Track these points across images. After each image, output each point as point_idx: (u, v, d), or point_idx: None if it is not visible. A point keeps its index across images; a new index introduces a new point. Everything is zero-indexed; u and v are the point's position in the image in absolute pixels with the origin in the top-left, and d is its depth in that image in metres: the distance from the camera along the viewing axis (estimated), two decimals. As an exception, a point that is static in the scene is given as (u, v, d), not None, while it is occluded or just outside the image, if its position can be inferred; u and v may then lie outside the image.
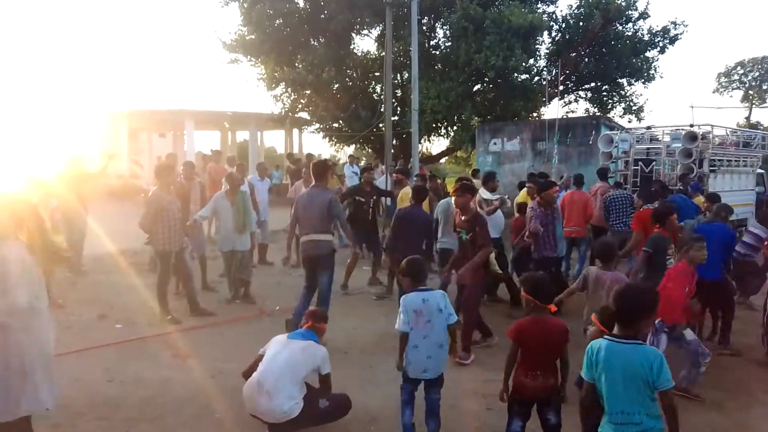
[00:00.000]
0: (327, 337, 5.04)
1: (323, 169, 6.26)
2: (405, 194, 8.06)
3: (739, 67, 41.66)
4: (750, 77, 41.15)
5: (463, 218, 5.67)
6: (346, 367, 5.24)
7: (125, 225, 8.38)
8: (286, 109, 23.04)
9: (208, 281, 8.22)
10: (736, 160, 12.56)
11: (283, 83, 22.16)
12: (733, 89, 42.08)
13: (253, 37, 21.89)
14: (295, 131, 27.63)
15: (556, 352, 3.39)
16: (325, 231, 5.95)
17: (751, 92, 40.88)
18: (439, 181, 25.81)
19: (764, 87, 40.51)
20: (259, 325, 6.64)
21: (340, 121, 22.53)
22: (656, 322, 4.62)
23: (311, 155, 14.50)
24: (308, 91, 22.15)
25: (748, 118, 37.32)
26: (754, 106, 39.31)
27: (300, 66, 21.53)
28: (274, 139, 59.01)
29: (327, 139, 24.31)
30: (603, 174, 10.48)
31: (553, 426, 3.43)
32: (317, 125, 24.01)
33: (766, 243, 6.85)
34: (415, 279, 3.89)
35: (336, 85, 22.15)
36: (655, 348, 2.62)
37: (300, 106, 23.41)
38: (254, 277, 8.01)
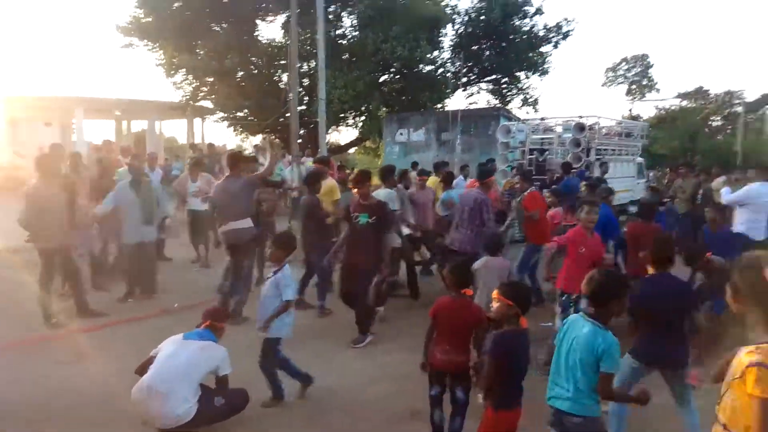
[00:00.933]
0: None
1: (236, 159, 6.46)
2: (328, 187, 7.57)
3: (623, 63, 45.15)
4: (632, 73, 44.71)
5: (362, 203, 5.82)
6: (248, 357, 5.14)
7: (6, 220, 7.66)
8: (187, 97, 22.02)
9: (98, 280, 7.71)
10: (619, 150, 13.63)
11: (184, 70, 21.17)
12: (618, 83, 45.56)
13: (149, 20, 20.67)
14: (198, 120, 26.50)
15: (467, 332, 3.54)
16: (244, 218, 6.11)
17: (633, 87, 44.42)
18: (348, 171, 25.86)
19: (644, 82, 44.15)
20: (158, 323, 6.32)
21: (245, 110, 21.91)
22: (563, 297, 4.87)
23: (213, 145, 14.03)
24: (211, 79, 21.33)
25: (630, 111, 40.55)
26: (635, 99, 42.76)
27: (201, 52, 20.65)
28: (175, 129, 56.35)
29: (232, 128, 23.56)
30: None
31: (459, 401, 3.56)
32: (221, 114, 23.18)
33: None
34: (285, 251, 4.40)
35: (240, 73, 21.51)
36: (613, 337, 2.73)
37: (202, 93, 22.49)
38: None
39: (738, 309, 2.18)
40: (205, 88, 22.23)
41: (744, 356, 1.99)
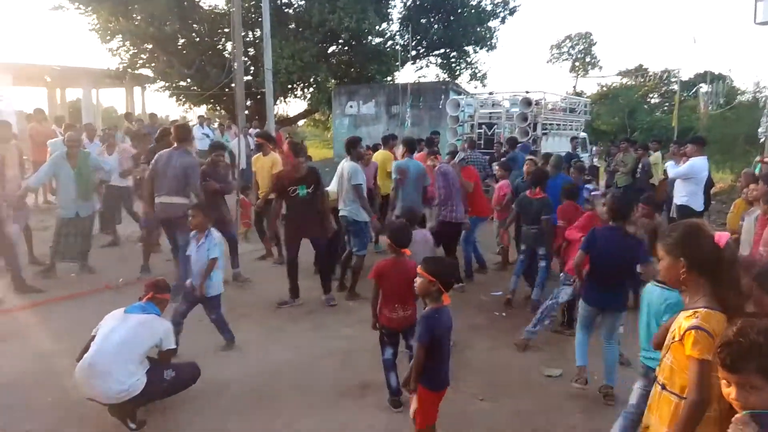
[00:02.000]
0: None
1: (185, 132, 6.30)
2: (271, 160, 7.37)
3: (567, 40, 46.07)
4: (576, 50, 45.73)
5: (296, 175, 5.86)
6: (198, 335, 5.04)
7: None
8: (125, 65, 20.89)
9: (36, 254, 7.33)
10: (563, 124, 13.97)
11: (120, 36, 20.04)
12: (563, 60, 46.54)
13: (80, -20, 19.40)
14: (137, 89, 25.29)
15: (410, 287, 3.54)
16: (180, 194, 5.92)
17: (577, 63, 45.50)
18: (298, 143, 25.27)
19: (587, 60, 45.27)
20: (100, 298, 6.07)
21: (188, 80, 21.03)
22: (561, 274, 5.24)
23: (155, 115, 13.45)
24: (150, 46, 20.30)
25: (574, 87, 41.59)
26: (579, 76, 43.87)
27: (139, 17, 19.57)
28: (114, 98, 53.64)
29: (174, 98, 22.59)
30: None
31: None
32: (162, 83, 22.16)
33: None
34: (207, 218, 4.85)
35: (182, 40, 20.56)
36: (679, 295, 2.79)
37: (141, 61, 21.39)
38: (94, 249, 7.32)
39: (671, 273, 2.20)
40: (143, 56, 21.15)
41: (683, 320, 2.07)
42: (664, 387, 2.18)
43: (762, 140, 7.78)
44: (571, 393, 4.16)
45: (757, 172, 7.04)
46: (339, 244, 6.81)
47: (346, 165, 6.43)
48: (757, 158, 7.65)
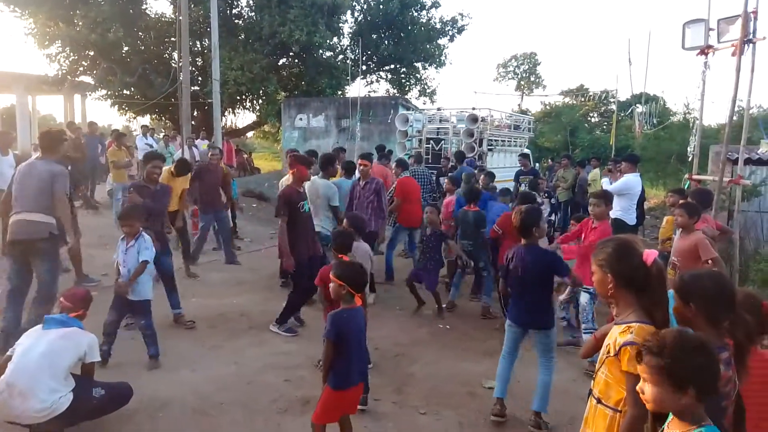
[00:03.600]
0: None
1: (52, 140, 5.03)
2: None
3: (513, 60, 47.55)
4: (522, 69, 47.23)
5: (300, 190, 5.66)
6: (132, 352, 4.85)
7: None
8: (64, 72, 20.05)
9: None
10: (509, 141, 14.35)
11: (59, 41, 19.24)
12: (509, 79, 47.94)
13: (16, -18, 18.54)
14: (77, 97, 24.31)
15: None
16: (43, 211, 4.75)
17: (522, 82, 46.96)
18: (245, 155, 24.97)
19: (532, 78, 46.81)
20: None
21: (132, 88, 20.39)
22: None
23: (94, 123, 12.95)
24: (91, 53, 19.58)
25: (519, 105, 42.87)
26: (524, 94, 45.25)
27: (80, 23, 18.88)
28: (52, 106, 51.43)
29: (117, 107, 21.82)
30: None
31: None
32: (104, 91, 21.38)
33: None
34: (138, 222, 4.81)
35: (126, 48, 19.93)
36: None
37: (81, 68, 20.59)
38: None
39: (601, 287, 2.25)
40: (84, 63, 20.36)
41: (618, 335, 2.11)
42: (599, 401, 2.21)
43: (690, 158, 8.22)
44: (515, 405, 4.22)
45: (686, 188, 7.42)
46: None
47: (320, 183, 6.38)
48: (686, 175, 8.07)
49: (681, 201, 5.39)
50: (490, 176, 8.23)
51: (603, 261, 2.23)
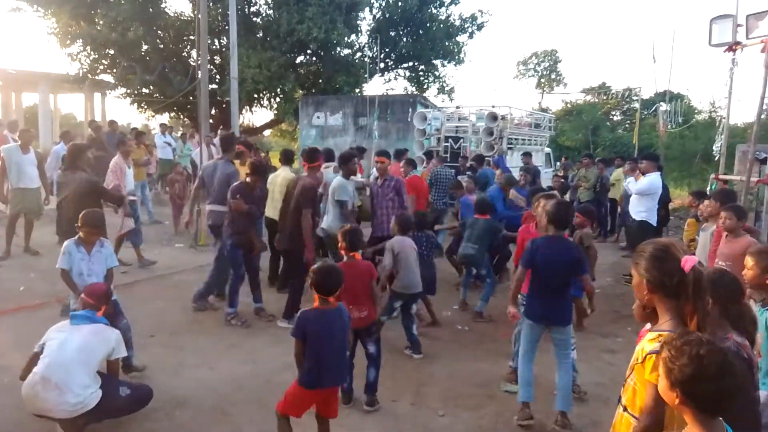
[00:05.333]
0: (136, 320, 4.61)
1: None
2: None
3: (533, 57, 47.09)
4: (542, 67, 46.76)
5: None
6: (153, 350, 4.86)
7: None
8: (85, 70, 20.30)
9: None
10: (528, 139, 14.19)
11: (80, 40, 19.49)
12: (529, 76, 47.50)
13: (40, -19, 18.83)
14: (98, 95, 24.63)
15: (366, 287, 4.01)
16: None
17: (542, 80, 46.50)
18: (263, 154, 25.16)
19: (553, 76, 46.33)
20: (50, 312, 5.78)
21: (151, 87, 20.58)
22: None
23: (114, 122, 13.09)
24: (111, 51, 19.79)
25: (540, 103, 42.48)
26: (544, 92, 44.84)
27: (101, 22, 19.10)
28: (73, 104, 52.22)
29: (136, 105, 22.05)
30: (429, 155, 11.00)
31: (372, 354, 4.07)
32: (123, 90, 21.63)
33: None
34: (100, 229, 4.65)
35: (145, 47, 20.12)
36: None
37: (102, 67, 20.83)
38: (54, 258, 6.98)
39: (639, 293, 2.17)
40: (105, 61, 20.60)
41: (647, 343, 2.04)
42: (625, 408, 2.15)
43: (716, 158, 8.02)
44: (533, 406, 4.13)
45: (713, 188, 7.25)
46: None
47: (330, 177, 6.50)
48: (712, 175, 7.88)
49: (725, 204, 5.07)
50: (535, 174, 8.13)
51: (639, 266, 2.15)
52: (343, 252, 4.09)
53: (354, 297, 3.92)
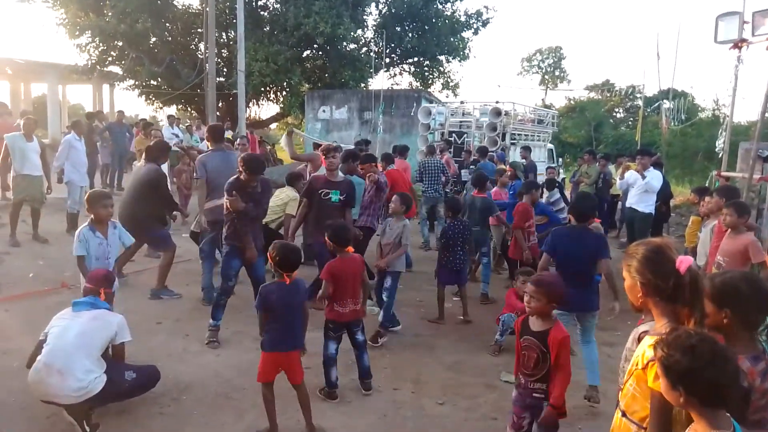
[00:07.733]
0: (142, 309, 4.72)
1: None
2: None
3: (538, 54, 46.96)
4: (546, 63, 46.64)
5: (332, 180, 5.61)
6: (159, 336, 4.96)
7: None
8: (93, 62, 20.42)
9: None
10: (532, 135, 14.23)
11: (89, 32, 19.59)
12: (533, 73, 47.40)
13: (49, -27, 18.93)
14: (106, 87, 24.73)
15: (359, 280, 4.14)
16: None
17: (546, 77, 46.38)
18: (269, 147, 25.22)
19: (557, 73, 46.21)
20: (57, 298, 5.89)
21: (159, 79, 20.67)
22: None
23: (122, 113, 13.20)
24: (120, 43, 19.89)
25: (543, 100, 42.40)
26: (548, 89, 44.72)
27: (109, 13, 19.19)
28: (81, 95, 52.36)
29: (144, 97, 22.16)
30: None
31: (361, 341, 4.25)
32: (132, 81, 21.73)
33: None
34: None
35: (153, 39, 20.21)
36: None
37: (110, 58, 20.93)
38: (62, 246, 7.11)
39: (632, 294, 2.09)
40: (113, 53, 20.70)
41: (647, 348, 1.92)
42: (624, 414, 2.07)
43: (720, 155, 8.07)
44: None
45: (715, 185, 7.31)
46: None
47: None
48: (714, 173, 7.93)
49: (728, 200, 5.09)
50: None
51: (632, 267, 2.07)
52: (335, 249, 4.11)
53: (352, 290, 4.08)
